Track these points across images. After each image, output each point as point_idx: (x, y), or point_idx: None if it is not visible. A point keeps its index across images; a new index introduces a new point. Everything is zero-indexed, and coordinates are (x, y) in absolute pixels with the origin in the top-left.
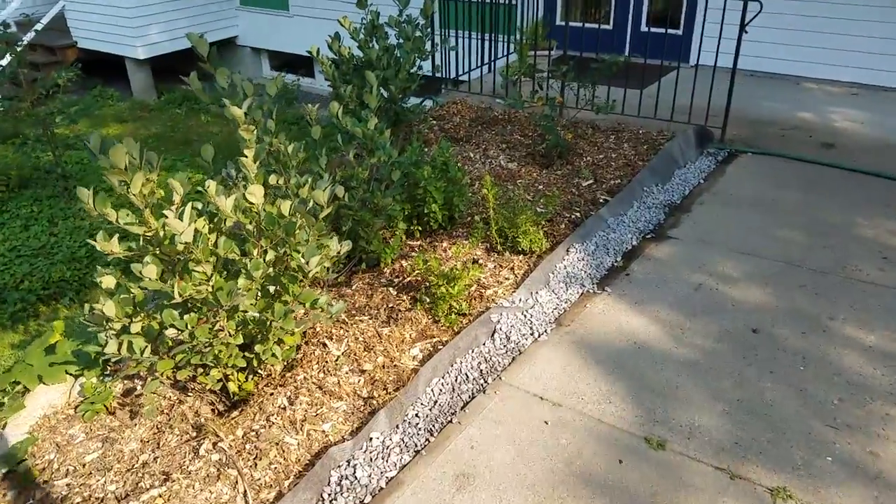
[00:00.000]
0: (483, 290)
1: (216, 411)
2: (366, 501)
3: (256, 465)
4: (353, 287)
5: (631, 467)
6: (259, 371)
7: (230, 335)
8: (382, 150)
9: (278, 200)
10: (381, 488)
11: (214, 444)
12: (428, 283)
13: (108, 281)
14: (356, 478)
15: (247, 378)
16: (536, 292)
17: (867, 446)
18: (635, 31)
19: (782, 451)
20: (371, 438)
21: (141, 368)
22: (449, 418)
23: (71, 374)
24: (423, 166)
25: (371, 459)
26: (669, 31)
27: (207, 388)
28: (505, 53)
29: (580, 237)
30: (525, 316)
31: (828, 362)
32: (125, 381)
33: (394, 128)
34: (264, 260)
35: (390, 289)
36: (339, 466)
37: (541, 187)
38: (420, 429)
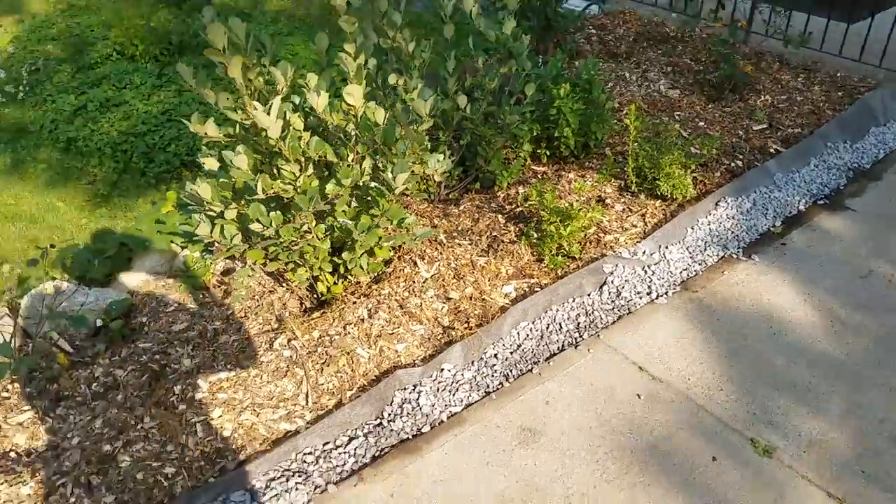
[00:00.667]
0: (602, 235)
1: (303, 307)
2: (423, 430)
3: (323, 370)
4: (461, 207)
5: (724, 469)
6: (349, 277)
7: (318, 238)
8: (516, 60)
9: (372, 106)
10: (442, 421)
11: (289, 341)
12: (539, 217)
13: (211, 163)
14: (419, 405)
15: (336, 282)
16: (666, 247)
17: None
18: None
19: None
20: (442, 369)
21: (234, 252)
22: (530, 367)
23: (177, 245)
24: (561, 83)
25: (438, 390)
26: None
27: (294, 284)
28: None
29: (736, 190)
30: (645, 272)
31: None
32: (226, 261)
33: (543, 34)
34: (360, 168)
35: (499, 216)
36: (404, 389)
37: (702, 124)
38: (496, 370)
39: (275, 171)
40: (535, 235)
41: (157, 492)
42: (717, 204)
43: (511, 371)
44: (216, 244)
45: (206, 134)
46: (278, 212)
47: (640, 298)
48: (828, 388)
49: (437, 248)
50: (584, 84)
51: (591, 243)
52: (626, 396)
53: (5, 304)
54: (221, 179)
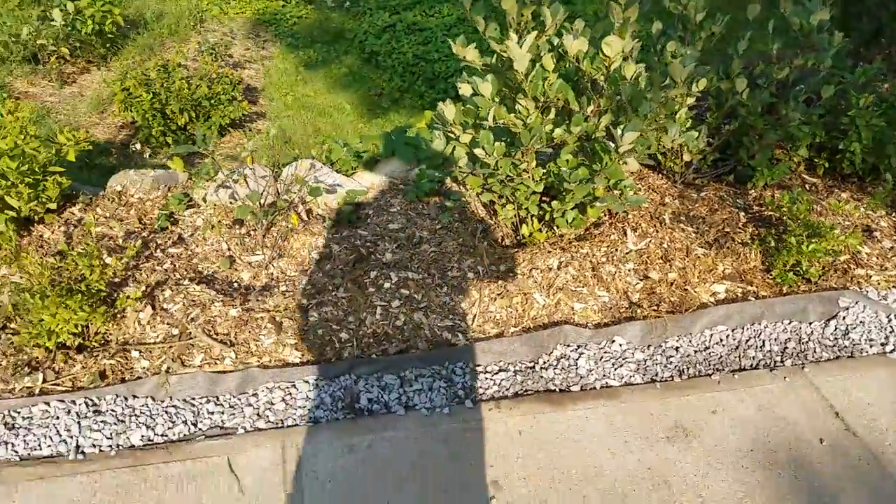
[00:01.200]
0: (853, 268)
1: (503, 243)
2: (572, 389)
3: (497, 300)
4: (703, 193)
5: None
6: (553, 228)
7: (533, 179)
8: (817, 55)
9: (625, 62)
10: (595, 388)
11: (477, 265)
12: (784, 226)
13: (465, 88)
14: (577, 364)
15: (541, 229)
16: None
17: None
18: None
19: None
20: (613, 341)
21: (458, 175)
22: (710, 372)
23: (415, 160)
24: (866, 93)
25: (601, 359)
26: None
27: (500, 219)
28: None
29: None
30: (889, 320)
31: None
32: (451, 185)
33: (870, 40)
34: (598, 121)
35: (741, 213)
36: (567, 345)
37: None
38: (671, 362)
39: (515, 105)
40: (772, 243)
41: (328, 349)
42: None
43: (688, 369)
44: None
45: (464, 58)
46: (501, 142)
47: (871, 347)
48: None
49: (655, 226)
50: (893, 101)
51: (835, 272)
52: (806, 436)
53: (271, 167)
54: (468, 105)
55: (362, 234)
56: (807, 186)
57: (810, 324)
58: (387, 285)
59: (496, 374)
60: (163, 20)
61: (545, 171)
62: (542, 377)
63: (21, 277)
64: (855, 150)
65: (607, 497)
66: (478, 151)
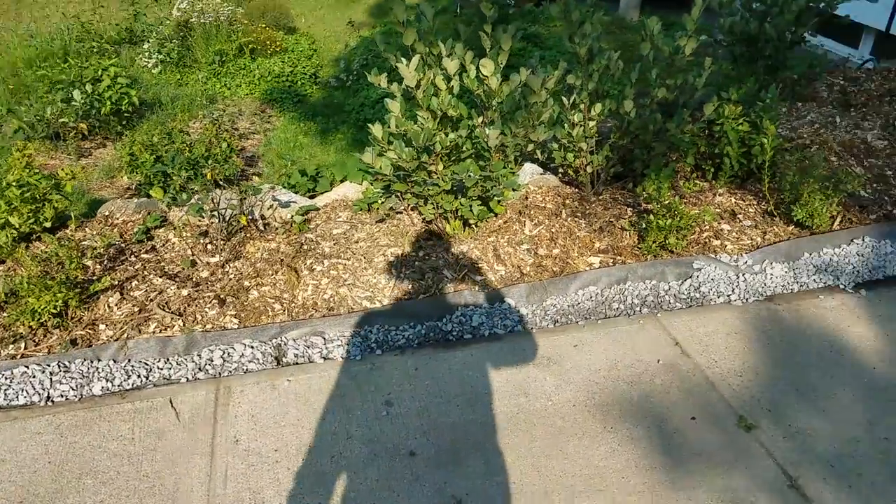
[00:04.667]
0: (712, 241)
1: (430, 239)
2: (465, 337)
3: (411, 275)
4: (601, 197)
5: (697, 427)
6: (472, 226)
7: (443, 180)
8: (682, 74)
9: (495, 78)
10: (483, 335)
11: (401, 253)
12: (651, 211)
13: (393, 106)
14: (471, 319)
15: (464, 227)
16: (771, 263)
17: None
18: None
19: (879, 499)
20: (503, 301)
21: (386, 181)
22: (579, 320)
23: (368, 181)
24: (728, 105)
25: (492, 315)
26: None
27: (425, 219)
28: None
29: (882, 233)
30: (736, 277)
31: None
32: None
33: (767, 75)
34: (488, 126)
35: (629, 209)
36: (466, 306)
37: (889, 172)
38: (548, 315)
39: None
40: (643, 225)
41: (263, 318)
42: (852, 240)
43: (561, 319)
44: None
45: (379, 85)
46: (410, 148)
47: (719, 297)
48: (850, 402)
49: (552, 219)
50: (758, 112)
51: (699, 245)
52: (647, 358)
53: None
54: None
55: (308, 237)
56: (696, 187)
57: (668, 283)
58: (319, 268)
59: (406, 330)
60: (177, 101)
61: (454, 172)
62: (442, 330)
63: (15, 273)
64: (729, 153)
65: (474, 402)
66: (390, 154)
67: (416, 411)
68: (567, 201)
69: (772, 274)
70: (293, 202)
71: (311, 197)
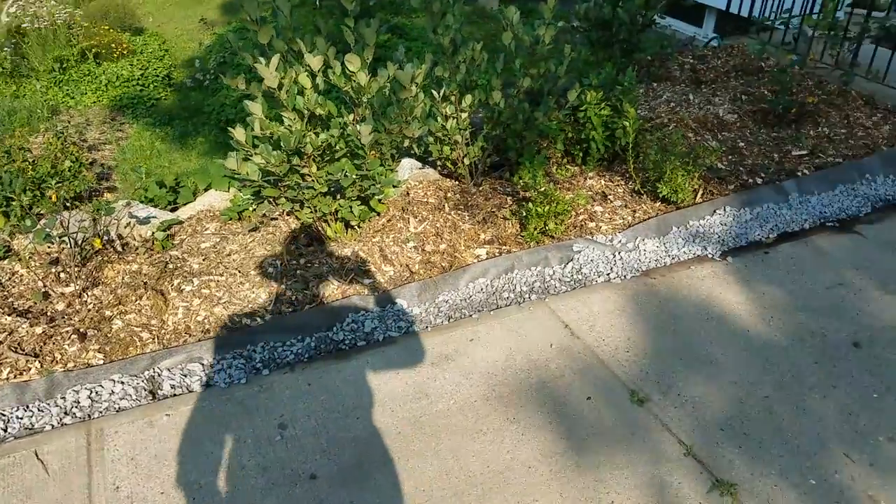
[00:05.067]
0: (588, 223)
1: (310, 245)
2: (359, 344)
3: (294, 285)
4: (481, 188)
5: (594, 406)
6: (353, 227)
7: (318, 182)
8: (544, 63)
9: (363, 74)
10: (378, 340)
11: (279, 262)
12: (530, 198)
13: (255, 108)
14: (363, 325)
15: (346, 230)
16: (643, 239)
17: (871, 489)
18: None
19: (766, 454)
20: (395, 303)
21: (254, 187)
22: (472, 313)
23: (235, 188)
24: (591, 91)
25: (384, 318)
26: None
27: (303, 224)
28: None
29: (740, 202)
30: (613, 256)
31: None
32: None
33: (623, 58)
34: (360, 123)
35: (509, 198)
36: (357, 312)
37: (741, 144)
38: (441, 312)
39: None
40: (524, 213)
41: (131, 349)
42: (714, 211)
43: (455, 314)
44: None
45: (237, 87)
46: (279, 151)
47: (599, 277)
48: (732, 366)
49: (435, 214)
50: (618, 95)
51: (576, 228)
52: (541, 344)
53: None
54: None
55: (174, 254)
56: (568, 173)
57: (552, 267)
58: (188, 288)
59: (293, 345)
60: (14, 116)
61: (327, 173)
62: (333, 340)
63: None
64: (594, 137)
65: (374, 412)
66: (256, 159)
67: (314, 430)
68: (449, 194)
69: (645, 250)
70: (153, 217)
71: (173, 210)
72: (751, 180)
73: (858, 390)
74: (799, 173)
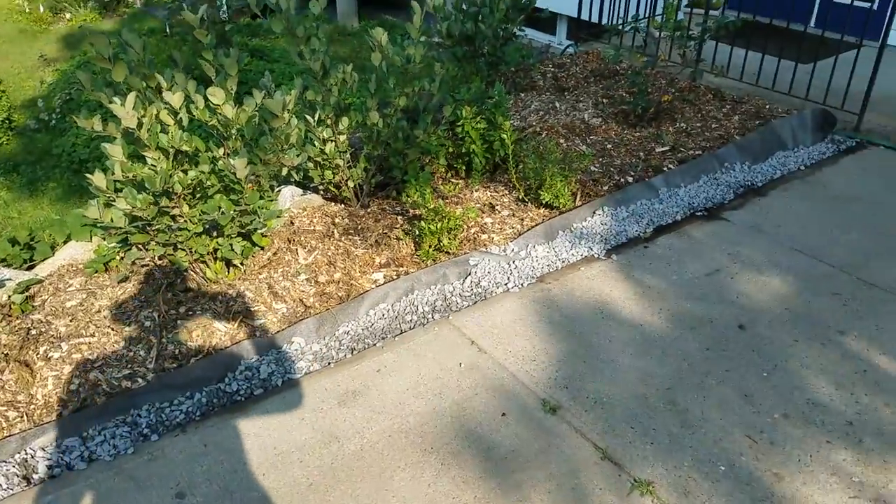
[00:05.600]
0: (480, 235)
1: (187, 289)
2: (256, 393)
3: (175, 337)
4: (369, 210)
5: (509, 422)
6: (236, 265)
7: (191, 223)
8: (418, 81)
9: (229, 106)
10: (277, 386)
11: (154, 313)
12: (421, 216)
13: (114, 150)
14: (259, 372)
15: (228, 269)
16: (534, 246)
17: (775, 467)
18: (824, 0)
19: (677, 446)
20: (292, 342)
21: (122, 235)
22: (376, 342)
23: (98, 237)
24: (464, 106)
25: (281, 360)
26: (857, 2)
27: (180, 269)
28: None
29: (616, 201)
30: (509, 266)
31: (799, 377)
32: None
33: (490, 70)
34: (233, 156)
35: (399, 217)
36: (250, 358)
37: (609, 146)
38: (343, 345)
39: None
40: (417, 232)
41: None
42: (594, 212)
43: (358, 345)
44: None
45: (93, 128)
46: (145, 194)
47: (498, 288)
48: (630, 362)
49: (325, 242)
50: (491, 107)
51: (469, 242)
52: (449, 364)
53: None
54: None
55: (36, 318)
56: (455, 188)
57: (452, 284)
58: (57, 355)
59: (183, 403)
60: None
61: (201, 212)
62: (227, 392)
63: None
64: (475, 150)
65: (281, 465)
66: (119, 203)
67: (217, 495)
68: (336, 220)
69: (537, 256)
70: (7, 280)
71: (30, 268)
72: (622, 179)
73: (749, 371)
74: (665, 168)
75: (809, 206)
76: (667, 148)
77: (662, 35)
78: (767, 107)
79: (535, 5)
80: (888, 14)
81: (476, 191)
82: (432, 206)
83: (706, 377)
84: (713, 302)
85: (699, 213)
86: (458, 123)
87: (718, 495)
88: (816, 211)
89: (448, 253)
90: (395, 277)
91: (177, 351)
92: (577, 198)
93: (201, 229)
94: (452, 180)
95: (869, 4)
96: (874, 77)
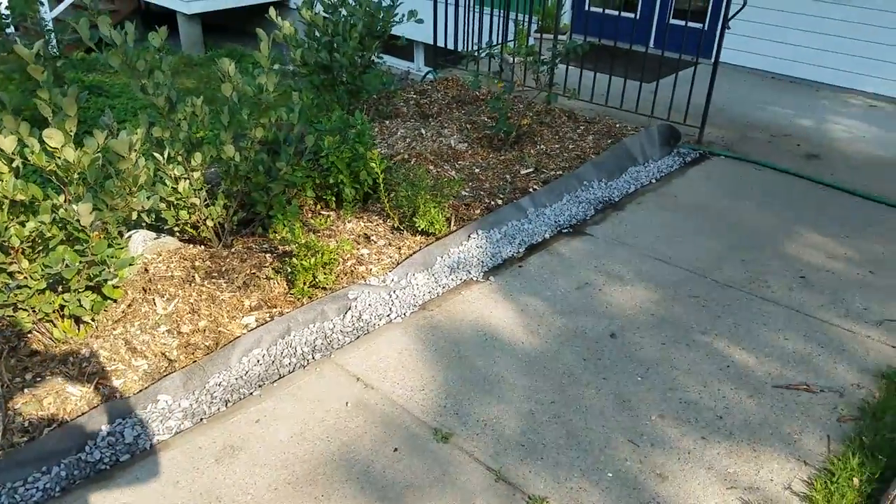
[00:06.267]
0: (358, 267)
1: (32, 352)
2: (122, 459)
3: (24, 408)
4: (233, 249)
5: (402, 457)
6: (86, 320)
7: (32, 279)
8: (274, 111)
9: (70, 149)
10: (146, 449)
11: (0, 385)
12: (292, 253)
13: None
14: (123, 436)
15: (78, 327)
16: (413, 274)
17: (658, 468)
18: (661, 23)
19: (566, 459)
20: (158, 400)
21: None
22: (253, 391)
23: None
24: (327, 136)
25: (147, 420)
26: (691, 24)
27: (21, 330)
28: (525, 34)
29: (489, 224)
30: (389, 296)
31: (671, 378)
32: None
33: (351, 99)
34: (76, 203)
35: (267, 255)
36: (112, 423)
37: (477, 171)
38: (216, 398)
39: None
40: (289, 270)
41: None
42: (469, 236)
43: (233, 396)
44: None
45: None
46: None
47: (380, 320)
48: (515, 381)
49: (186, 288)
50: (354, 137)
51: (347, 275)
52: (336, 405)
53: None
54: None
55: None
56: (326, 220)
57: (331, 320)
58: None
59: (38, 479)
60: None
61: (45, 266)
62: (89, 462)
63: None
64: (343, 180)
65: None
66: None
67: None
68: (197, 263)
69: (417, 284)
70: None
71: None
72: (493, 202)
73: (625, 377)
74: (531, 189)
75: (662, 217)
76: (531, 170)
77: (516, 61)
78: (618, 125)
79: (392, 33)
80: (717, 35)
81: (349, 222)
82: (303, 241)
83: (586, 388)
84: (585, 314)
85: (565, 231)
86: (323, 154)
87: (608, 503)
88: (669, 220)
89: (325, 289)
90: (268, 319)
91: (26, 423)
92: (452, 223)
93: (44, 285)
94: (323, 213)
95: (701, 25)
96: (710, 92)
